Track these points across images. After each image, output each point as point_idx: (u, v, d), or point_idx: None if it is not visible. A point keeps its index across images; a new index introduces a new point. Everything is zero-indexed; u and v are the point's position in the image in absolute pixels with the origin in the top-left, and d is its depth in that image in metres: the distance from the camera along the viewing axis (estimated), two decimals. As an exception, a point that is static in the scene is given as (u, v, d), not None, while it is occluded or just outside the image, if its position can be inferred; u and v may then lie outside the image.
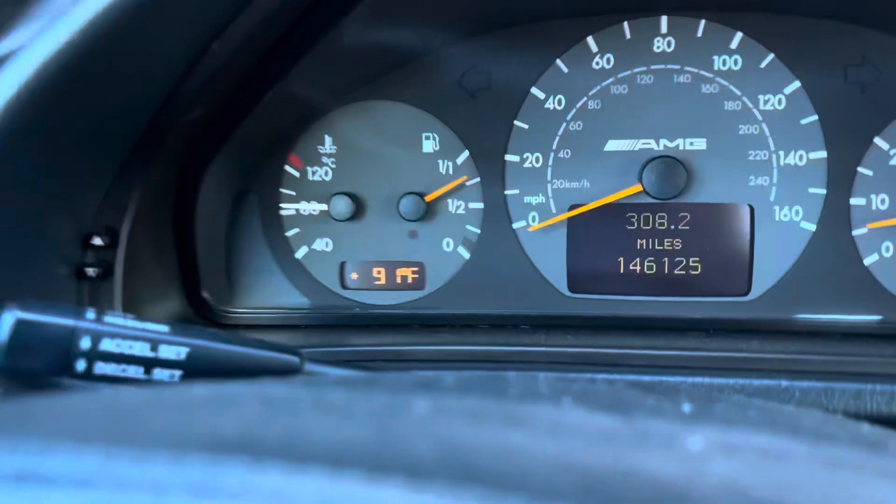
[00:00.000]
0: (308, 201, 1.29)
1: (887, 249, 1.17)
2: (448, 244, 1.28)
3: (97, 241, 1.03)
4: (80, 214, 1.01)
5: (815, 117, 1.17)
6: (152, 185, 1.11)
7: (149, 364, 0.73)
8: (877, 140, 1.16)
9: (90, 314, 0.71)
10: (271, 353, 0.80)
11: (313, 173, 1.29)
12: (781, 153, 1.19)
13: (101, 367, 0.71)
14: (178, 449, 0.32)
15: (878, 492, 0.39)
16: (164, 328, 0.74)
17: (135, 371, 0.73)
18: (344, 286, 1.31)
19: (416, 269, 1.29)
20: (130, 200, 1.07)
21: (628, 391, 0.60)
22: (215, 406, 0.38)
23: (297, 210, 1.30)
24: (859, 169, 1.17)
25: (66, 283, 1.03)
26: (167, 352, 0.74)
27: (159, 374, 0.74)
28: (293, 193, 1.30)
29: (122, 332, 0.71)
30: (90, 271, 1.04)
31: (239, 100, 1.12)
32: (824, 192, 1.18)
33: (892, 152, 1.16)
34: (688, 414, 0.53)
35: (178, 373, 0.74)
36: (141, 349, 0.72)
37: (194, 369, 0.75)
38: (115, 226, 1.07)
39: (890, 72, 1.14)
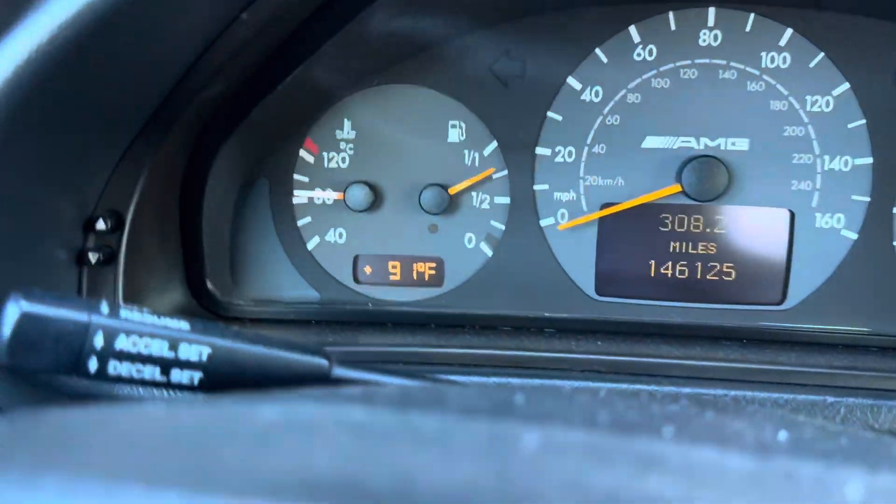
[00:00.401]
0: (323, 189, 1.21)
1: (931, 262, 1.12)
2: (470, 240, 1.21)
3: (100, 224, 0.95)
4: (83, 196, 0.93)
5: (863, 121, 1.12)
6: (161, 166, 1.03)
7: (167, 365, 0.65)
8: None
9: (104, 308, 0.63)
10: (298, 355, 0.73)
11: (330, 159, 1.21)
12: (826, 157, 1.13)
13: (115, 367, 0.63)
14: (274, 496, 0.25)
15: None
16: (185, 325, 0.66)
17: (151, 372, 0.65)
18: (357, 280, 1.24)
19: (434, 264, 1.22)
20: (137, 183, 0.99)
21: (711, 416, 0.54)
22: (298, 435, 0.31)
23: (310, 198, 1.22)
24: (906, 177, 1.12)
25: (67, 268, 0.94)
26: (187, 352, 0.66)
27: (177, 375, 0.66)
28: (306, 180, 1.22)
29: (139, 329, 0.64)
30: (92, 256, 0.96)
31: (260, 78, 1.04)
32: (868, 199, 1.13)
33: (940, 160, 1.11)
34: (797, 445, 0.47)
35: (198, 375, 0.67)
36: (159, 348, 0.65)
37: (216, 371, 0.68)
38: (120, 209, 0.99)
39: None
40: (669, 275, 1.17)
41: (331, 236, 1.23)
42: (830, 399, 0.98)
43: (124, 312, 0.64)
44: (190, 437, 0.31)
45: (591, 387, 0.98)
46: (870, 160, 1.12)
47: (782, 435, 0.49)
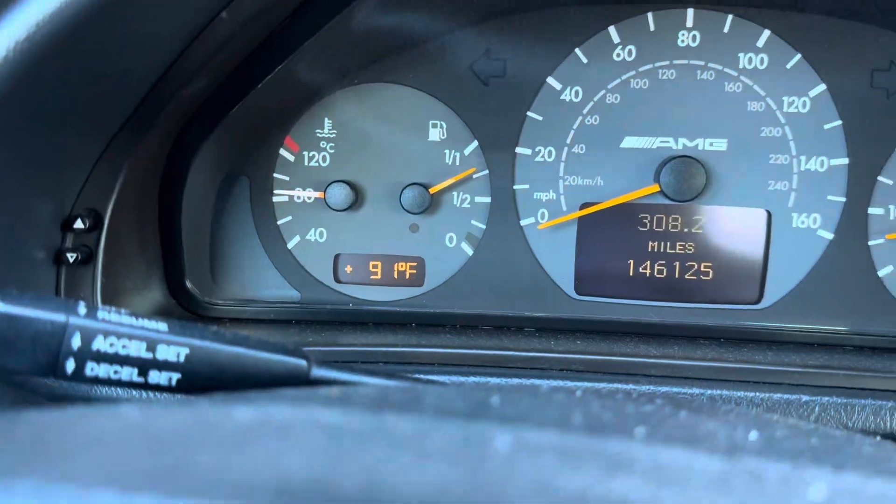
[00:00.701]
0: (303, 188, 1.21)
1: (898, 261, 1.14)
2: (451, 239, 1.21)
3: (79, 224, 0.95)
4: (61, 195, 0.92)
5: (839, 122, 1.13)
6: (140, 165, 1.03)
7: (145, 366, 0.65)
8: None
9: (82, 308, 0.63)
10: (277, 355, 0.73)
11: (310, 158, 1.21)
12: (803, 158, 1.14)
13: (93, 368, 0.63)
14: (246, 499, 0.26)
15: None
16: (163, 326, 0.66)
17: (129, 373, 0.65)
18: (337, 280, 1.24)
19: (415, 264, 1.22)
20: (116, 181, 0.99)
21: (681, 412, 0.55)
22: (272, 439, 0.31)
23: (290, 197, 1.22)
24: (880, 178, 1.13)
25: (44, 267, 0.94)
26: (165, 353, 0.66)
27: (155, 376, 0.66)
28: (287, 179, 1.22)
29: (117, 330, 0.64)
30: (70, 256, 0.95)
31: (241, 75, 1.04)
32: (843, 199, 1.14)
33: (914, 161, 1.12)
34: (767, 444, 0.48)
35: (176, 376, 0.66)
36: (137, 349, 0.65)
37: (193, 372, 0.67)
38: (99, 208, 0.99)
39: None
40: (648, 274, 1.18)
41: (311, 235, 1.23)
42: (805, 398, 0.99)
43: (102, 313, 0.64)
44: (164, 439, 0.31)
45: (568, 386, 0.98)
46: (846, 161, 1.14)
47: (753, 435, 0.50)
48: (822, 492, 0.37)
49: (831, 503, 0.36)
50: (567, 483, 0.32)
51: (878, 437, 0.80)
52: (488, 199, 1.20)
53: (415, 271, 1.22)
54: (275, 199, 1.22)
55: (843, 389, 1.00)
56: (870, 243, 1.15)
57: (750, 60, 1.13)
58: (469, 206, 1.20)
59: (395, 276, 1.23)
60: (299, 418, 0.35)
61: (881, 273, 1.15)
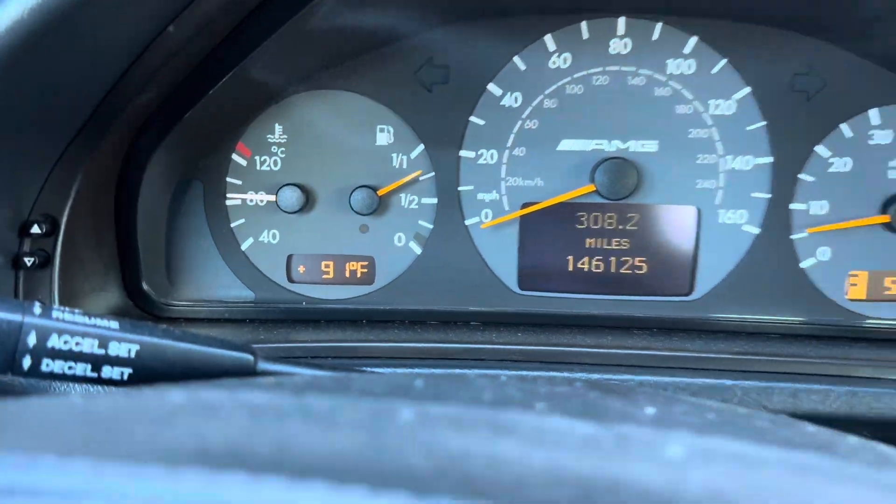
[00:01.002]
0: (255, 191, 1.26)
1: (823, 253, 1.22)
2: (399, 239, 1.27)
3: (35, 229, 0.98)
4: (18, 201, 0.96)
5: (763, 123, 1.20)
6: (95, 171, 1.07)
7: (97, 361, 0.70)
8: (818, 148, 1.19)
9: (37, 308, 0.67)
10: (224, 350, 0.78)
11: (262, 163, 1.25)
12: (729, 157, 1.22)
13: (48, 365, 0.67)
14: (168, 462, 0.31)
15: (842, 497, 0.40)
16: (114, 324, 0.71)
17: (82, 369, 0.69)
18: (291, 280, 1.29)
19: (365, 263, 1.28)
20: (72, 187, 1.02)
21: (592, 393, 0.60)
22: (199, 415, 0.37)
23: (243, 200, 1.27)
24: (801, 175, 1.21)
25: (2, 272, 0.97)
26: (117, 349, 0.70)
27: (108, 371, 0.70)
28: (239, 183, 1.26)
29: (70, 328, 0.68)
30: (27, 260, 0.99)
31: (193, 84, 1.08)
32: (768, 196, 1.22)
33: (831, 160, 1.20)
34: (653, 417, 0.53)
35: (127, 371, 0.71)
36: (90, 346, 0.69)
37: (144, 367, 0.72)
38: (55, 214, 1.02)
39: (834, 81, 1.18)
40: (586, 269, 1.25)
41: (264, 237, 1.28)
42: (728, 382, 1.06)
43: (56, 312, 0.68)
44: (101, 415, 0.36)
45: (497, 373, 1.04)
46: (769, 159, 1.21)
47: (650, 410, 0.56)
48: (679, 451, 0.42)
49: (687, 461, 0.41)
50: (453, 444, 0.37)
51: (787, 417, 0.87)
52: (434, 200, 1.25)
53: (365, 270, 1.28)
54: (228, 202, 1.27)
55: (764, 374, 1.07)
56: (792, 237, 1.22)
57: (678, 66, 1.20)
58: (416, 206, 1.26)
59: (347, 274, 1.28)
60: (226, 398, 0.40)
61: (803, 265, 1.23)
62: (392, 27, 1.16)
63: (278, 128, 1.25)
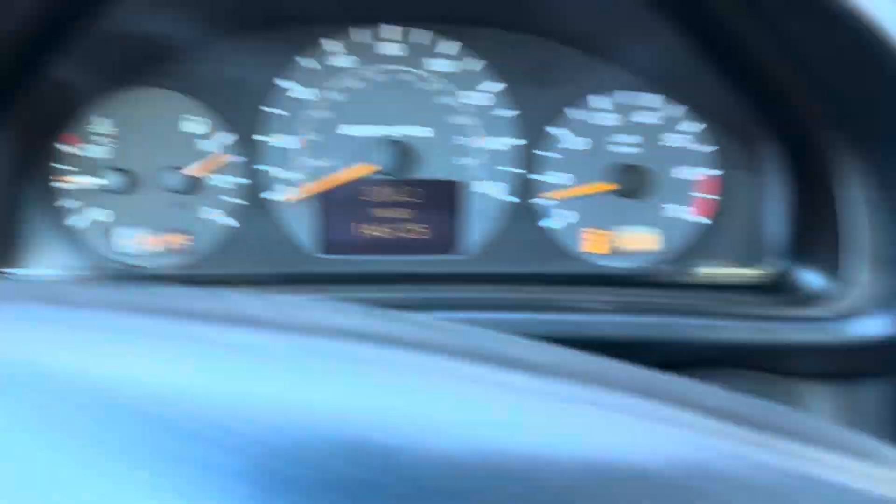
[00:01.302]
0: (85, 176, 1.44)
1: (562, 216, 1.52)
2: (216, 214, 1.48)
3: None
4: None
5: (515, 112, 1.50)
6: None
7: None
8: (551, 129, 1.50)
9: None
10: None
11: (90, 150, 1.44)
12: (488, 140, 1.50)
13: None
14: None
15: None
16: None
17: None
18: (119, 254, 1.47)
19: (186, 237, 1.48)
20: None
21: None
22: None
23: (74, 184, 1.44)
24: (540, 152, 1.51)
25: None
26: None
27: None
28: (69, 168, 1.44)
29: None
30: None
31: (11, 76, 1.24)
32: (517, 170, 1.51)
33: (562, 138, 1.51)
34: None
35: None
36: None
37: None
38: None
39: (557, 78, 1.49)
40: (378, 234, 1.50)
41: (96, 216, 1.46)
42: (483, 315, 1.33)
43: None
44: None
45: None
46: (519, 141, 1.51)
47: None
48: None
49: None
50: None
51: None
52: (245, 181, 1.47)
53: (187, 243, 1.48)
54: (58, 185, 1.44)
55: (504, 309, 1.34)
56: (533, 202, 1.52)
57: (445, 65, 1.48)
58: (231, 186, 1.47)
59: (170, 247, 1.48)
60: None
61: (544, 223, 1.52)
62: (187, 34, 1.38)
63: (104, 121, 1.43)
